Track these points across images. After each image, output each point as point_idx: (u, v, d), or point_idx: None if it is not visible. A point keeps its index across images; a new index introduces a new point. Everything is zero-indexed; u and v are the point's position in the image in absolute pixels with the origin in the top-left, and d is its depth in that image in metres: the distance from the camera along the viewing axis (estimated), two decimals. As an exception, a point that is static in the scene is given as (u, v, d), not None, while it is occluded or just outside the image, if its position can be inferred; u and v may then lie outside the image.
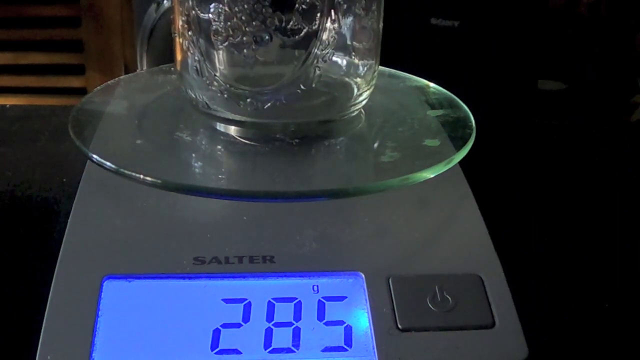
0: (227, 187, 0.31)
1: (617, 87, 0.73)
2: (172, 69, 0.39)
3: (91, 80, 0.83)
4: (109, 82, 0.39)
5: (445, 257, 0.29)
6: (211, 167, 0.33)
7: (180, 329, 0.26)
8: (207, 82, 0.32)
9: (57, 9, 0.80)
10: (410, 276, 0.28)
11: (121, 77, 0.41)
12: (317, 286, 0.28)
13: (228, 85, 0.32)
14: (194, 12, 0.31)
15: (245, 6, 0.29)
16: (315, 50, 0.31)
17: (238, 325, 0.26)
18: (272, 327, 0.26)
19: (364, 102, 0.35)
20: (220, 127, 0.34)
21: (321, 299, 0.27)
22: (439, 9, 0.64)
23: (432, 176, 0.30)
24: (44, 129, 0.44)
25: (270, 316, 0.27)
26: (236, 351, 0.25)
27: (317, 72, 0.31)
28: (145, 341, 0.25)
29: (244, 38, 0.30)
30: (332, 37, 0.31)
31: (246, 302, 0.27)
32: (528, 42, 0.66)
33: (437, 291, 0.28)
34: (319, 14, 0.30)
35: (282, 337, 0.26)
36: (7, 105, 0.48)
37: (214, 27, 0.30)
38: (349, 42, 0.32)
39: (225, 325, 0.26)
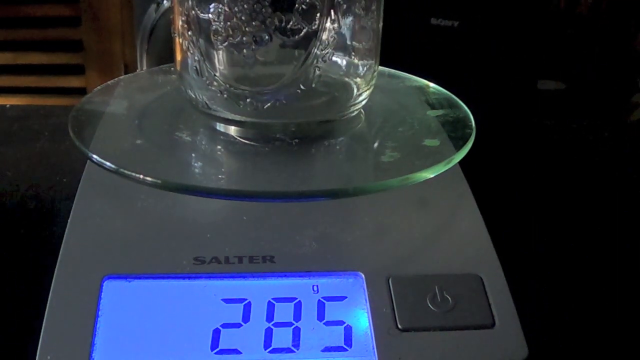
0: (227, 187, 0.31)
1: (617, 87, 0.73)
2: (172, 69, 0.39)
3: (91, 80, 0.83)
4: (108, 82, 0.39)
5: (445, 257, 0.29)
6: (211, 167, 0.33)
7: (180, 329, 0.26)
8: (207, 82, 0.32)
9: (57, 9, 0.80)
10: (410, 276, 0.28)
11: (121, 77, 0.41)
12: (317, 286, 0.28)
13: (228, 85, 0.32)
14: (193, 12, 0.31)
15: (245, 6, 0.29)
16: (315, 50, 0.31)
17: (238, 325, 0.26)
18: (272, 327, 0.26)
19: (363, 102, 0.35)
20: (220, 127, 0.34)
21: (321, 299, 0.27)
22: (439, 9, 0.64)
23: (432, 176, 0.30)
24: (44, 129, 0.44)
25: (270, 316, 0.27)
26: (236, 351, 0.25)
27: (317, 72, 0.31)
28: (145, 341, 0.25)
29: (244, 38, 0.30)
30: (331, 37, 0.31)
31: (246, 302, 0.27)
32: (528, 42, 0.66)
33: (437, 291, 0.28)
34: (318, 14, 0.30)
35: (282, 337, 0.26)
36: (7, 105, 0.48)
37: (214, 27, 0.30)
38: (348, 42, 0.32)
39: (225, 325, 0.26)
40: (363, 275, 0.28)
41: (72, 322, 0.26)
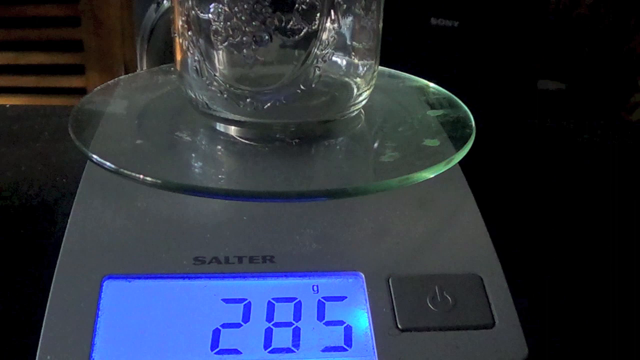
0: (227, 187, 0.31)
1: (617, 87, 0.73)
2: (172, 69, 0.39)
3: (91, 80, 0.83)
4: (108, 82, 0.39)
5: (445, 257, 0.29)
6: (211, 167, 0.33)
7: (180, 329, 0.26)
8: (207, 82, 0.32)
9: (57, 9, 0.80)
10: (410, 276, 0.28)
11: (121, 77, 0.41)
12: (317, 286, 0.28)
13: (228, 86, 0.32)
14: (193, 12, 0.31)
15: (245, 6, 0.29)
16: (315, 50, 0.31)
17: (238, 325, 0.26)
18: (272, 327, 0.26)
19: (363, 102, 0.35)
20: (220, 127, 0.34)
21: (321, 299, 0.27)
22: (439, 9, 0.64)
23: (432, 176, 0.30)
24: (44, 129, 0.44)
25: (270, 316, 0.27)
26: (236, 351, 0.26)
27: (317, 72, 0.31)
28: (145, 341, 0.25)
29: (244, 38, 0.30)
30: (331, 37, 0.31)
31: (246, 302, 0.27)
32: (528, 42, 0.66)
33: (437, 291, 0.28)
34: (318, 14, 0.30)
35: (282, 337, 0.26)
36: (7, 105, 0.48)
37: (214, 27, 0.30)
38: (348, 42, 0.32)
39: (225, 325, 0.26)
40: (363, 275, 0.28)
41: (72, 322, 0.26)
